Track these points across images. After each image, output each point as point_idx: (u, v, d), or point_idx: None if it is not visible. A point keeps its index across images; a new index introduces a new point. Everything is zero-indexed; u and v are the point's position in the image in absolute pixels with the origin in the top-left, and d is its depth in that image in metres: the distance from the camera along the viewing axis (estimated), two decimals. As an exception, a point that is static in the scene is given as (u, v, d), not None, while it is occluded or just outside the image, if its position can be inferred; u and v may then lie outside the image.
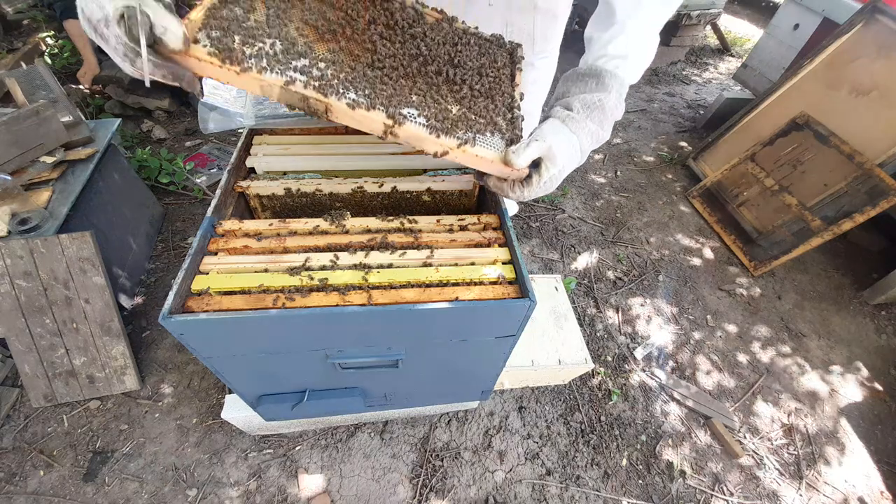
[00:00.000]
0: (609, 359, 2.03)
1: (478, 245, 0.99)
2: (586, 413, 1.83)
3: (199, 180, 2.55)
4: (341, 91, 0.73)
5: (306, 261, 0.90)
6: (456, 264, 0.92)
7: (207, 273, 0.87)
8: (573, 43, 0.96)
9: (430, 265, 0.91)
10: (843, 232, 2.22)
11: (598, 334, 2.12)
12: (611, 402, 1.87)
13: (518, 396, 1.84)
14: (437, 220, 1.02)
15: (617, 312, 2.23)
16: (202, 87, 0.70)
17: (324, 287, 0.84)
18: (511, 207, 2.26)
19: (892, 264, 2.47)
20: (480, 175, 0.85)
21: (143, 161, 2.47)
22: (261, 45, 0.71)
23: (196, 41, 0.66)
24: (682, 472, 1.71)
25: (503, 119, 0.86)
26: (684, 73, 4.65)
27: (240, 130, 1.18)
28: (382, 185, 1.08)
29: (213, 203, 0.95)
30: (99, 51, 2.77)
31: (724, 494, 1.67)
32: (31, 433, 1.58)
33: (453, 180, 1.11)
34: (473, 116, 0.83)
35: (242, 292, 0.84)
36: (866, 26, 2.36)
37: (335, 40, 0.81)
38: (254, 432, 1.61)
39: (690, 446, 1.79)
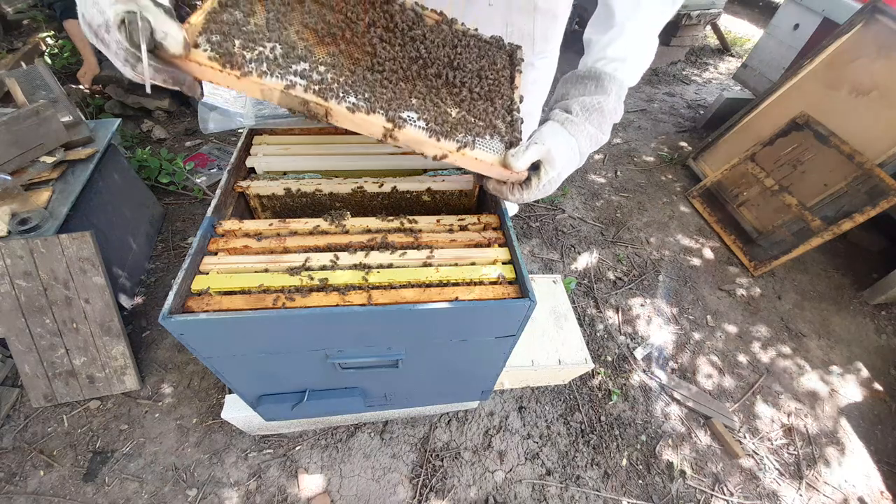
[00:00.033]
0: (609, 359, 2.03)
1: (478, 245, 0.99)
2: (586, 413, 1.83)
3: (199, 180, 2.55)
4: (341, 95, 0.73)
5: (306, 261, 0.90)
6: (456, 264, 0.92)
7: (207, 273, 0.87)
8: (573, 43, 0.96)
9: (431, 265, 0.91)
10: (843, 232, 2.22)
11: (598, 334, 2.12)
12: (611, 402, 1.87)
13: (518, 396, 1.84)
14: (437, 220, 1.02)
15: (617, 312, 2.23)
16: (202, 88, 0.70)
17: (324, 287, 0.84)
18: (511, 207, 2.26)
19: (892, 264, 2.47)
20: (480, 177, 0.85)
21: (143, 161, 2.47)
22: (261, 49, 0.71)
23: (196, 45, 0.66)
24: (682, 473, 1.71)
25: (502, 122, 0.86)
26: (684, 73, 4.65)
27: (240, 130, 1.18)
28: (382, 185, 1.08)
29: (213, 203, 0.95)
30: (99, 51, 2.77)
31: (724, 494, 1.67)
32: (31, 433, 1.58)
33: (453, 180, 1.11)
34: (473, 119, 0.83)
35: (242, 292, 0.83)
36: (866, 26, 2.36)
37: (335, 43, 0.81)
38: (254, 432, 1.61)
39: (690, 446, 1.79)
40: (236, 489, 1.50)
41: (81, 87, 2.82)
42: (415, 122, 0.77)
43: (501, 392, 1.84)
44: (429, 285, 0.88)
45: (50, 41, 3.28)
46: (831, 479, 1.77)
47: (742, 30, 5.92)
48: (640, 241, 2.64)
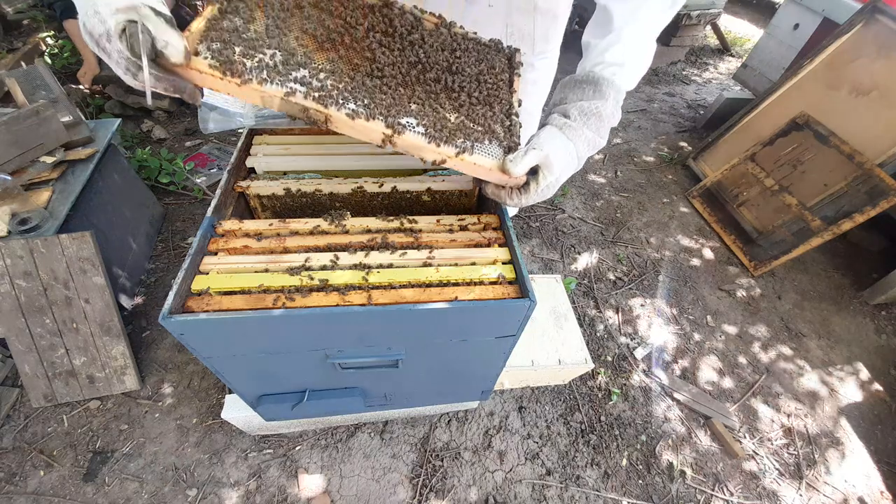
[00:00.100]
0: (609, 359, 2.03)
1: (478, 245, 0.99)
2: (586, 413, 1.83)
3: (199, 180, 2.55)
4: (340, 101, 0.74)
5: (306, 261, 0.90)
6: (456, 264, 0.92)
7: (207, 273, 0.87)
8: (573, 43, 0.96)
9: (431, 265, 0.91)
10: (843, 232, 2.22)
11: (598, 334, 2.12)
12: (611, 402, 1.87)
13: (518, 396, 1.84)
14: (437, 220, 1.02)
15: (617, 312, 2.23)
16: (202, 93, 0.70)
17: (324, 287, 0.84)
18: (511, 208, 2.26)
19: (892, 264, 2.47)
20: (479, 181, 0.86)
21: (143, 161, 2.47)
22: (261, 56, 0.72)
23: (197, 53, 0.67)
24: (682, 473, 1.71)
25: (501, 126, 0.86)
26: (684, 73, 4.65)
27: (240, 130, 1.18)
28: (382, 185, 1.08)
29: (213, 203, 0.95)
30: (99, 51, 2.76)
31: (724, 494, 1.67)
32: (31, 433, 1.58)
33: (453, 180, 1.11)
34: (471, 124, 0.83)
35: (242, 292, 0.84)
36: (866, 26, 2.36)
37: (334, 49, 0.81)
38: (254, 432, 1.61)
39: (690, 446, 1.79)
40: (236, 489, 1.50)
41: (81, 87, 2.82)
42: (414, 127, 0.77)
43: (501, 392, 1.84)
44: (429, 285, 0.88)
45: (50, 41, 3.28)
46: (831, 479, 1.77)
47: (742, 30, 5.92)
48: (640, 241, 2.64)
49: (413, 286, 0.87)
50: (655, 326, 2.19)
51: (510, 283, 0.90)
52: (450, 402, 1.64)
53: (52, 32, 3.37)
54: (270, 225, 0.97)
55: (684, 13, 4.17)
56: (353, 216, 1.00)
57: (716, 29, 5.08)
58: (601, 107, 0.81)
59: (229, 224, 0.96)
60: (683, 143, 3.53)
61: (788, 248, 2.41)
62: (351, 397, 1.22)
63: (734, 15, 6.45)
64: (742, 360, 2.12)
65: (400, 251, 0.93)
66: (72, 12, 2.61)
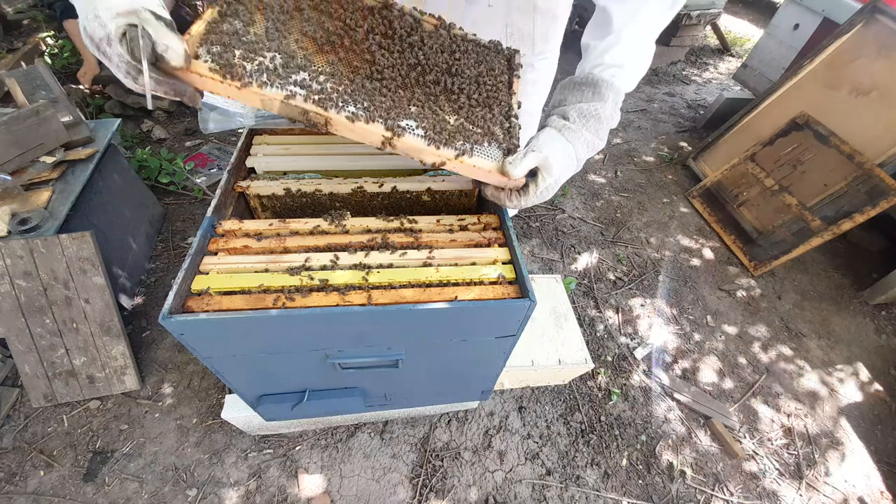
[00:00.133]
0: (609, 359, 2.03)
1: (478, 245, 0.99)
2: (586, 413, 1.83)
3: (199, 180, 2.55)
4: (340, 104, 0.74)
5: (306, 261, 0.90)
6: (456, 264, 0.92)
7: (207, 273, 0.87)
8: (573, 43, 0.96)
9: (431, 265, 0.92)
10: (843, 232, 2.22)
11: (598, 334, 2.12)
12: (611, 402, 1.87)
13: (518, 396, 1.84)
14: (437, 220, 1.02)
15: (617, 312, 2.23)
16: (202, 92, 0.70)
17: (324, 287, 0.84)
18: (511, 208, 2.26)
19: (892, 264, 2.47)
20: (478, 183, 0.86)
21: (143, 161, 2.47)
22: (261, 59, 0.72)
23: (197, 56, 0.67)
24: (682, 473, 1.71)
25: (500, 128, 0.86)
26: (684, 73, 4.65)
27: (240, 130, 1.18)
28: (382, 185, 1.08)
29: (213, 203, 0.95)
30: (99, 51, 2.76)
31: (724, 494, 1.67)
32: (31, 433, 1.58)
33: (453, 180, 1.11)
34: (471, 126, 0.83)
35: (242, 292, 0.84)
36: (866, 26, 2.36)
37: (334, 52, 0.81)
38: (254, 432, 1.61)
39: (690, 446, 1.79)
40: (236, 489, 1.50)
41: (81, 87, 2.82)
42: (413, 130, 0.78)
43: (501, 392, 1.84)
44: (429, 285, 0.88)
45: (50, 41, 3.28)
46: (831, 479, 1.77)
47: (742, 30, 5.93)
48: (640, 241, 2.64)
49: (413, 286, 0.87)
50: (655, 326, 2.19)
51: (510, 283, 0.90)
52: (450, 402, 1.64)
53: (52, 32, 3.37)
54: (270, 225, 0.97)
55: (684, 13, 4.17)
56: (353, 216, 1.00)
57: (716, 29, 5.08)
58: (600, 109, 0.81)
59: (229, 224, 0.96)
60: (683, 143, 3.53)
61: (788, 248, 2.41)
62: (351, 397, 1.22)
63: (734, 15, 6.45)
64: (742, 360, 2.12)
65: (400, 251, 0.93)
66: (72, 12, 2.61)
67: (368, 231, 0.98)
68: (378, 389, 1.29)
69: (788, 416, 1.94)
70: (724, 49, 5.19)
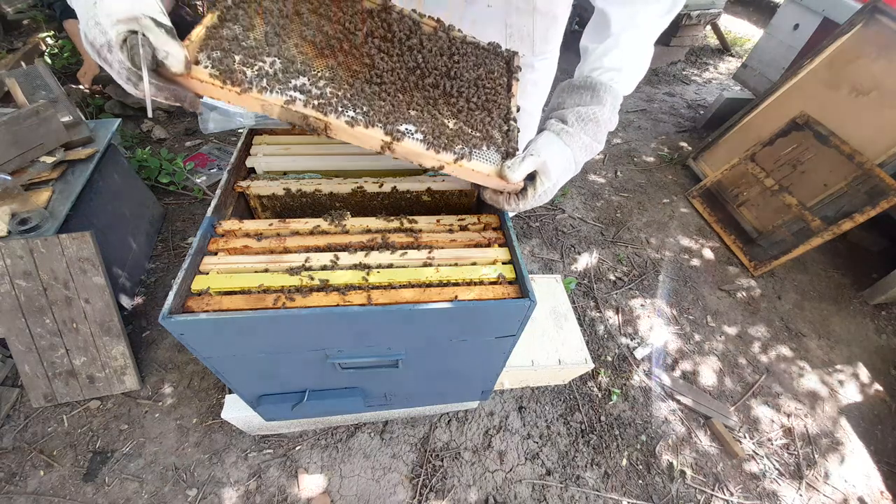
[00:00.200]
0: (609, 359, 2.03)
1: (478, 245, 0.99)
2: (586, 413, 1.83)
3: (199, 180, 2.55)
4: (340, 109, 0.74)
5: (306, 261, 0.90)
6: (456, 264, 0.92)
7: (207, 273, 0.87)
8: (573, 43, 0.96)
9: (431, 265, 0.92)
10: (843, 232, 2.22)
11: (599, 334, 2.12)
12: (611, 402, 1.87)
13: (518, 396, 1.84)
14: (437, 220, 1.02)
15: (617, 312, 2.23)
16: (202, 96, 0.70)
17: (324, 287, 0.84)
18: (511, 207, 2.27)
19: (892, 264, 2.47)
20: (477, 186, 0.86)
21: (143, 161, 2.47)
22: (261, 64, 0.72)
23: (197, 62, 0.67)
24: (682, 473, 1.71)
25: (499, 132, 0.86)
26: (684, 73, 4.65)
27: (240, 130, 1.19)
28: (382, 185, 1.08)
29: (213, 203, 0.95)
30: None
31: (724, 494, 1.67)
32: (31, 433, 1.58)
33: (453, 180, 1.11)
34: (470, 130, 0.84)
35: (242, 292, 0.84)
36: (866, 26, 2.36)
37: (333, 56, 0.81)
38: (254, 432, 1.61)
39: (690, 446, 1.79)
40: (236, 489, 1.50)
41: (81, 87, 2.82)
42: (412, 134, 0.78)
43: (501, 392, 1.84)
44: (429, 285, 0.88)
45: (50, 41, 3.28)
46: (831, 479, 1.77)
47: (742, 30, 5.92)
48: (640, 241, 2.64)
49: (413, 286, 0.87)
50: (655, 326, 2.19)
51: (510, 283, 0.90)
52: (450, 402, 1.64)
53: (52, 32, 3.36)
54: (270, 225, 0.97)
55: (684, 13, 4.17)
56: (353, 216, 1.00)
57: (716, 29, 5.08)
58: (598, 113, 0.82)
59: (229, 224, 0.96)
60: (683, 143, 3.53)
61: (788, 248, 2.41)
62: (351, 397, 1.22)
63: (734, 15, 6.45)
64: (742, 360, 2.12)
65: (400, 251, 0.93)
66: (72, 12, 2.61)
67: (368, 231, 0.98)
68: (378, 389, 1.29)
69: (788, 416, 1.94)
70: (724, 49, 5.19)
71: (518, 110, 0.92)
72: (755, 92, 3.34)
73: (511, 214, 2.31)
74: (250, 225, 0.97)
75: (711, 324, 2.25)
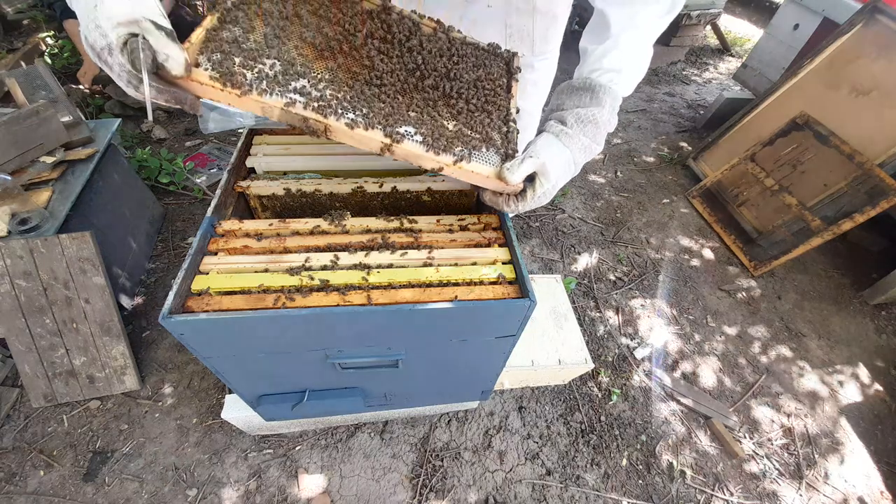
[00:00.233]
0: (609, 359, 2.03)
1: (478, 245, 0.99)
2: (586, 413, 1.83)
3: (199, 180, 2.55)
4: (339, 111, 0.74)
5: (306, 261, 0.90)
6: (456, 264, 0.92)
7: (207, 273, 0.87)
8: (573, 43, 0.96)
9: (431, 265, 0.92)
10: (843, 232, 2.22)
11: (599, 334, 2.12)
12: (611, 402, 1.87)
13: (518, 396, 1.84)
14: (438, 220, 1.02)
15: (617, 313, 2.23)
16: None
17: (324, 287, 0.84)
18: (511, 207, 2.27)
19: (892, 264, 2.47)
20: (477, 187, 0.86)
21: (143, 161, 2.47)
22: (260, 66, 0.72)
23: (197, 65, 0.67)
24: (682, 473, 1.71)
25: (498, 133, 0.86)
26: (684, 73, 4.65)
27: (240, 130, 1.19)
28: (382, 185, 1.08)
29: (213, 203, 0.95)
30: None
31: (724, 494, 1.67)
32: (31, 433, 1.58)
33: (453, 180, 1.10)
34: (469, 132, 0.84)
35: (242, 292, 0.84)
36: (866, 26, 2.36)
37: (333, 57, 0.81)
38: (254, 432, 1.61)
39: (690, 446, 1.79)
40: (236, 489, 1.50)
41: (81, 87, 2.82)
42: (412, 136, 0.78)
43: (501, 392, 1.84)
44: (429, 285, 0.88)
45: (50, 41, 3.28)
46: (831, 479, 1.77)
47: (742, 30, 5.92)
48: (640, 241, 2.64)
49: (413, 286, 0.87)
50: (656, 327, 2.19)
51: (510, 283, 0.90)
52: (450, 402, 1.64)
53: (52, 32, 3.36)
54: (270, 225, 0.97)
55: (684, 13, 4.18)
56: (353, 216, 1.00)
57: (716, 29, 5.08)
58: (598, 114, 0.82)
59: (229, 224, 0.96)
60: (683, 143, 3.53)
61: (788, 248, 2.41)
62: (351, 397, 1.22)
63: (734, 15, 6.45)
64: (742, 360, 2.12)
65: (400, 251, 0.93)
66: (72, 12, 2.60)
67: (368, 231, 0.98)
68: (378, 389, 1.29)
69: (788, 416, 1.94)
70: (724, 49, 5.19)
71: (517, 111, 0.92)
72: (755, 92, 3.34)
73: (511, 215, 2.31)
74: (250, 225, 0.97)
75: (711, 324, 2.25)
